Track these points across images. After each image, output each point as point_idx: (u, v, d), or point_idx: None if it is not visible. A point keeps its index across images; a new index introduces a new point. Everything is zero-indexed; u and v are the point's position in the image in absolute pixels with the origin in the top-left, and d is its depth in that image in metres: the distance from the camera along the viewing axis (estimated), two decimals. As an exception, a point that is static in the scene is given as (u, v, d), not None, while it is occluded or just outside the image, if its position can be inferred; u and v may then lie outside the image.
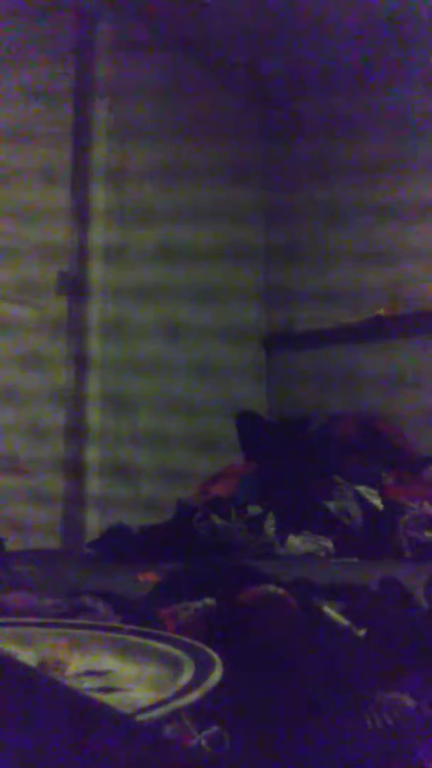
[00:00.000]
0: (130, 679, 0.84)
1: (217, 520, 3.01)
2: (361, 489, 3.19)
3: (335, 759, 0.74)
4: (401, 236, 3.92)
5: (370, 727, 0.78)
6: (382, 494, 3.20)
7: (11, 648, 0.91)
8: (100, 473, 3.39)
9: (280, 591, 1.16)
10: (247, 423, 3.94)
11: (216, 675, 0.78)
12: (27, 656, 0.86)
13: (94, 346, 3.46)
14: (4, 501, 3.03)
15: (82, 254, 3.50)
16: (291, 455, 3.56)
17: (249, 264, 4.42)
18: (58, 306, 3.42)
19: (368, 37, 3.88)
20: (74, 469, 3.36)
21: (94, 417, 3.41)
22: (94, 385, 3.43)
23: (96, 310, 3.48)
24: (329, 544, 2.94)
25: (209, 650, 0.86)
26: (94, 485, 3.37)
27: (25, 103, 3.31)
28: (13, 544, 2.84)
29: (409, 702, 0.83)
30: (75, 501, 3.35)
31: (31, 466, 3.19)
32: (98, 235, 3.52)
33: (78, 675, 0.85)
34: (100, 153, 3.56)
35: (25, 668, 0.62)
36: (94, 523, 3.27)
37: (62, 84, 3.49)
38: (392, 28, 3.78)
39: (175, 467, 3.62)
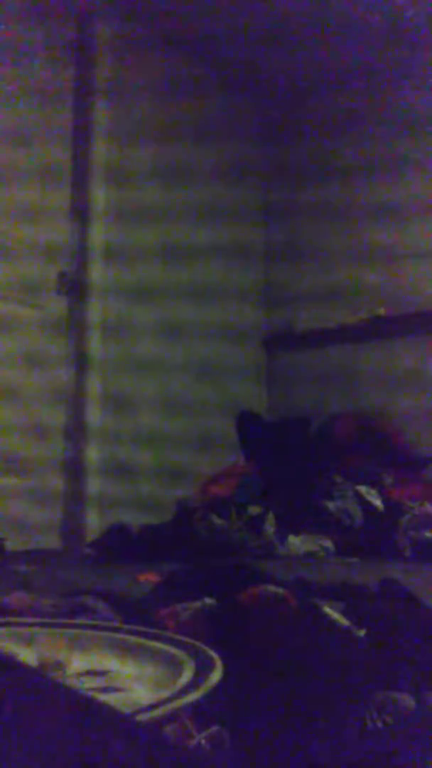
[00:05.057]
0: (130, 679, 0.84)
1: (216, 520, 3.01)
2: (362, 489, 3.19)
3: (335, 759, 0.74)
4: (401, 236, 3.92)
5: (370, 727, 0.78)
6: (382, 494, 3.20)
7: (11, 648, 0.91)
8: (100, 473, 3.39)
9: (281, 591, 1.16)
10: (247, 423, 3.94)
11: (216, 675, 0.78)
12: (27, 656, 0.86)
13: (94, 345, 3.46)
14: (5, 500, 3.03)
15: (82, 254, 3.49)
16: (291, 455, 3.56)
17: (249, 264, 4.41)
18: (58, 306, 3.42)
19: (369, 37, 3.88)
20: (74, 469, 3.36)
21: (94, 416, 3.41)
22: (94, 385, 3.43)
23: (96, 310, 3.48)
24: (329, 544, 2.94)
25: (209, 650, 0.86)
26: (94, 485, 3.36)
27: (25, 102, 3.31)
28: (13, 544, 2.84)
29: (409, 702, 0.83)
30: (75, 500, 3.34)
31: (31, 465, 3.19)
32: (98, 235, 3.52)
33: (78, 675, 0.86)
34: (100, 153, 3.56)
35: (25, 668, 0.62)
36: (94, 522, 3.27)
37: (62, 84, 3.49)
38: (393, 28, 3.78)
39: (175, 467, 3.62)
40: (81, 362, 3.44)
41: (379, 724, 0.77)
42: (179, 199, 3.90)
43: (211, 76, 4.19)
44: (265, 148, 4.51)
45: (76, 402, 3.41)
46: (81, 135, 3.54)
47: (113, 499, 3.36)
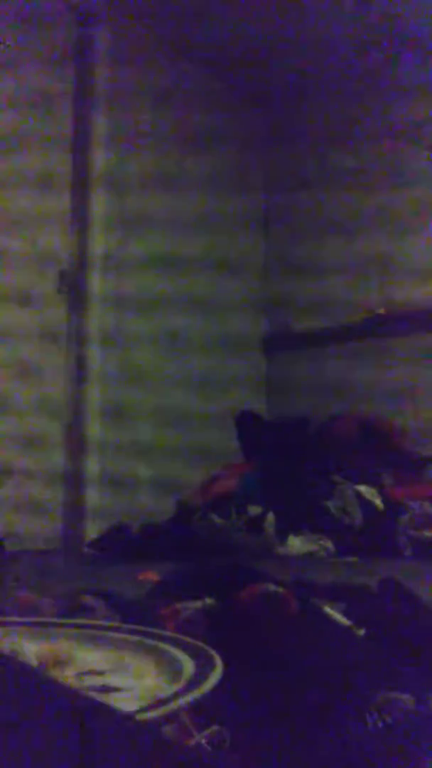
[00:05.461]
0: (130, 679, 0.84)
1: (216, 519, 3.01)
2: (362, 488, 3.19)
3: (335, 759, 0.74)
4: (399, 246, 3.93)
5: (370, 727, 0.78)
6: (382, 494, 3.20)
7: (11, 647, 0.91)
8: (99, 485, 3.37)
9: (281, 590, 1.16)
10: (247, 422, 3.93)
11: (216, 674, 0.78)
12: (26, 656, 0.86)
13: (93, 355, 3.44)
14: (2, 513, 3.01)
15: (80, 262, 3.47)
16: (291, 455, 3.56)
17: (247, 272, 4.39)
18: (56, 315, 3.40)
19: (368, 46, 3.89)
20: (72, 481, 3.35)
21: (92, 427, 3.39)
22: (92, 396, 3.41)
23: (94, 319, 3.46)
24: (329, 544, 2.94)
25: (209, 649, 0.85)
26: (92, 497, 3.35)
27: (23, 109, 3.29)
28: (12, 546, 2.83)
29: (409, 701, 0.83)
30: (73, 513, 3.33)
31: (29, 477, 3.17)
32: (97, 244, 3.49)
33: (77, 674, 0.85)
34: (99, 160, 3.54)
35: (25, 668, 0.62)
36: (92, 535, 3.24)
37: (61, 90, 3.47)
38: (393, 37, 3.79)
39: (174, 478, 3.59)
40: (79, 372, 3.42)
41: (380, 724, 0.77)
42: (178, 207, 3.88)
43: (210, 84, 4.17)
44: (264, 156, 4.49)
45: (74, 412, 3.39)
46: (79, 142, 3.52)
47: (112, 510, 3.34)
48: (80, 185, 3.51)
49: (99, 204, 3.52)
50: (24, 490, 3.14)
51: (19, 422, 3.16)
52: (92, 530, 3.27)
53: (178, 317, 3.84)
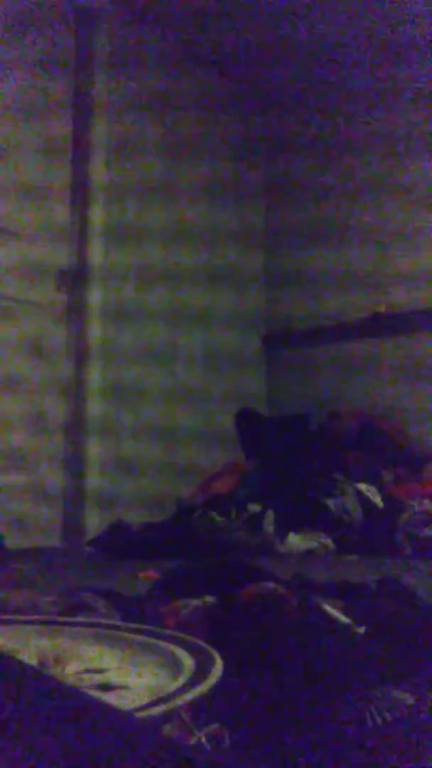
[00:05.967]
0: (130, 677, 0.84)
1: (216, 517, 3.01)
2: (362, 486, 3.20)
3: (335, 756, 0.74)
4: (396, 259, 3.94)
5: (369, 725, 0.78)
6: (382, 492, 3.20)
7: (11, 646, 0.91)
8: (102, 468, 3.36)
9: (280, 588, 1.16)
10: (247, 420, 3.93)
11: (216, 672, 0.78)
12: (26, 654, 0.87)
13: (95, 333, 3.42)
14: (5, 497, 3.02)
15: (83, 238, 3.44)
16: (291, 453, 3.56)
17: (246, 284, 4.38)
18: (59, 292, 3.38)
19: (366, 58, 3.89)
20: (75, 464, 3.34)
21: (95, 408, 3.37)
22: (95, 375, 3.39)
23: (97, 296, 3.44)
24: (329, 542, 2.94)
25: (209, 647, 0.86)
26: (95, 480, 3.34)
27: (25, 78, 3.26)
28: (13, 542, 2.84)
29: (409, 699, 0.83)
30: (76, 496, 3.32)
31: (31, 461, 3.17)
32: (99, 218, 3.45)
33: (77, 673, 0.86)
34: (98, 169, 3.51)
35: (25, 666, 0.62)
36: (95, 519, 3.25)
37: (63, 56, 3.44)
38: (390, 51, 3.79)
39: (178, 461, 3.60)
40: (82, 352, 3.40)
41: (379, 722, 0.77)
42: (176, 218, 3.86)
43: (210, 91, 4.14)
44: (265, 169, 4.47)
45: (77, 393, 3.38)
46: (82, 111, 3.47)
47: (115, 494, 3.35)
48: (84, 157, 3.46)
49: (102, 177, 3.47)
50: (27, 475, 3.13)
51: (23, 403, 3.14)
52: (94, 516, 3.26)
53: (182, 294, 3.81)
